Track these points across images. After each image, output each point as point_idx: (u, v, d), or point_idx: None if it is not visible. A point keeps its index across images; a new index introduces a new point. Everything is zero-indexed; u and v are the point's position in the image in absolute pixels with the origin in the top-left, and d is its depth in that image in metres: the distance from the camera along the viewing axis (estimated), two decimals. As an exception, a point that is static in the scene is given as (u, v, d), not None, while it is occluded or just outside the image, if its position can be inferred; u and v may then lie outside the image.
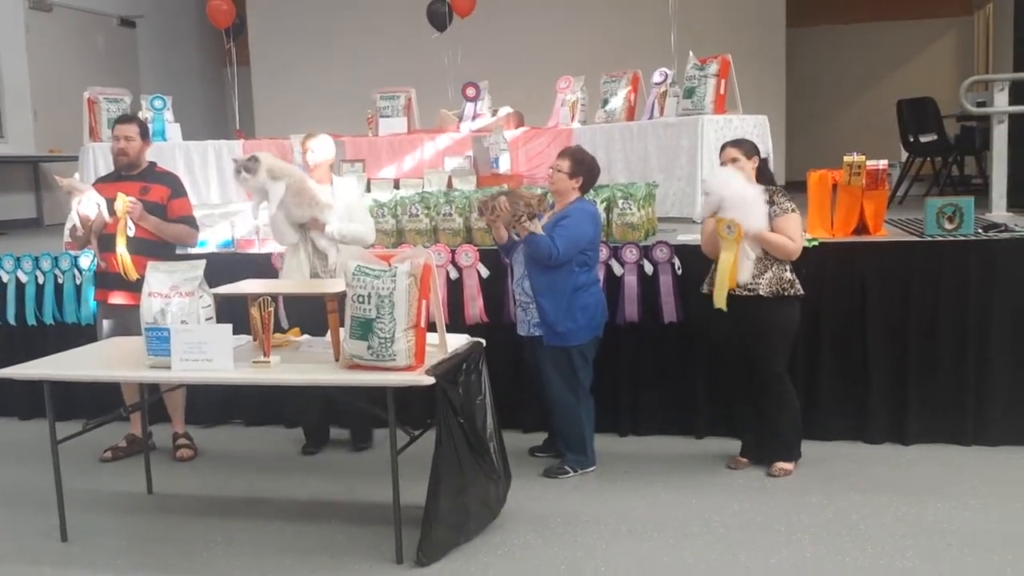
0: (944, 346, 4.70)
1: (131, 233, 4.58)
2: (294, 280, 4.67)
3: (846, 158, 4.88)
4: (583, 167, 4.40)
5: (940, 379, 4.72)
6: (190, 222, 4.87)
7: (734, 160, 4.28)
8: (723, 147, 4.41)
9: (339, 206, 4.68)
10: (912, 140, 8.10)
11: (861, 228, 4.95)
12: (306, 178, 4.68)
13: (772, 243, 4.16)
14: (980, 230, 4.85)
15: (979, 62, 11.15)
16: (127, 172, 4.83)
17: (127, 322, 4.56)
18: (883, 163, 4.95)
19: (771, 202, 4.20)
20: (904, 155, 8.25)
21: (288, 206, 4.57)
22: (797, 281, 4.25)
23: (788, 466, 4.35)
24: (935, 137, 7.97)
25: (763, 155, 4.52)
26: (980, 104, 6.75)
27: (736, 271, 4.14)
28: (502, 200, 4.22)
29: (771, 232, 4.17)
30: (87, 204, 4.62)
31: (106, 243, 4.66)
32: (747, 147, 4.37)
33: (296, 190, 4.55)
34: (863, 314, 4.76)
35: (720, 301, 4.17)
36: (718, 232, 4.15)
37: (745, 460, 4.47)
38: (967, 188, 7.98)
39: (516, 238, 4.31)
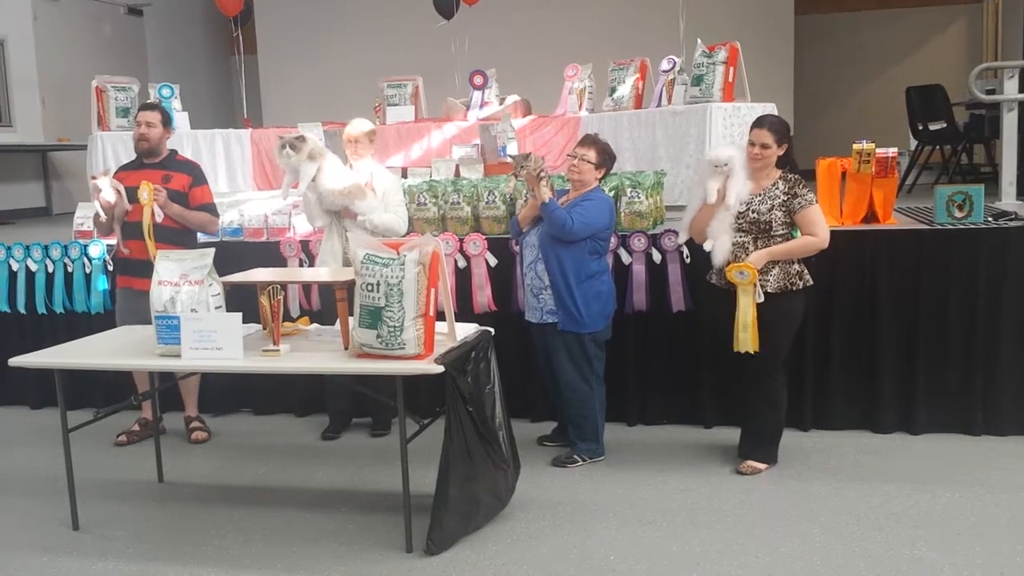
0: (953, 335, 4.69)
1: (159, 219, 4.66)
2: (329, 266, 4.69)
3: (855, 146, 4.85)
4: (607, 157, 4.39)
5: (949, 368, 4.71)
6: (211, 209, 4.94)
7: (764, 146, 4.09)
8: (756, 123, 4.17)
9: (376, 193, 4.70)
10: (921, 128, 8.06)
11: (870, 216, 4.93)
12: (339, 164, 4.68)
13: (790, 251, 4.08)
14: (990, 218, 4.83)
15: (988, 49, 11.08)
16: (149, 160, 4.90)
17: (148, 308, 4.59)
18: (893, 151, 4.92)
19: (793, 194, 4.09)
20: (913, 143, 8.21)
21: (321, 191, 4.58)
22: (806, 271, 4.16)
23: (760, 466, 4.27)
24: (944, 125, 7.92)
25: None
26: (990, 92, 6.70)
27: (756, 319, 4.04)
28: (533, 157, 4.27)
29: (788, 242, 4.07)
30: (108, 191, 4.68)
31: (130, 230, 4.75)
32: (780, 133, 4.12)
33: (330, 176, 4.56)
34: (872, 303, 4.74)
35: (744, 345, 4.06)
36: (729, 278, 4.05)
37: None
38: (976, 177, 7.94)
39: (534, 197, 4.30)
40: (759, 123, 4.16)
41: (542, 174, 4.24)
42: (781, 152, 4.14)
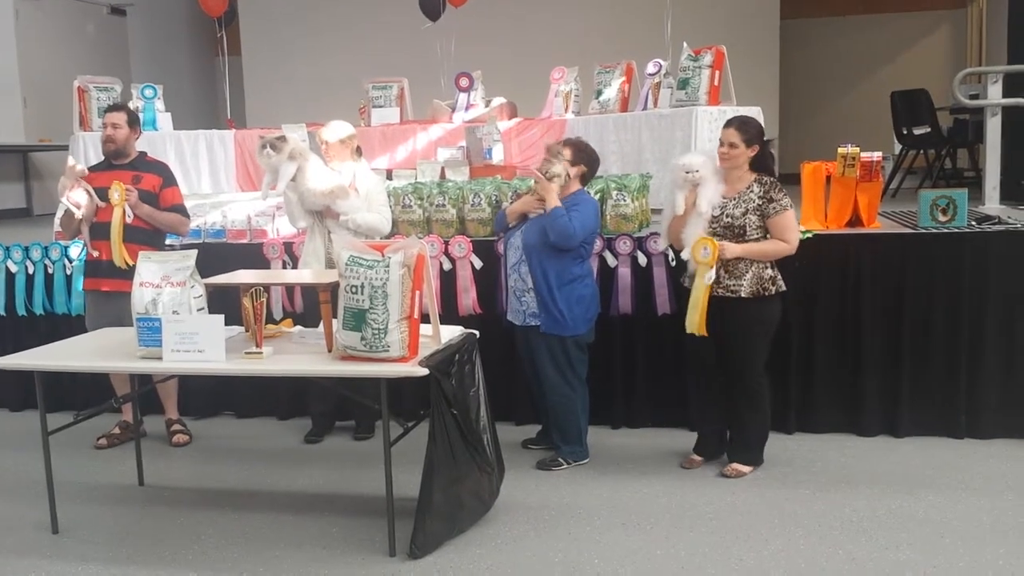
0: (937, 339, 4.71)
1: (129, 219, 4.61)
2: (311, 267, 4.66)
3: (840, 150, 4.86)
4: (584, 155, 4.38)
5: (933, 372, 4.72)
6: (182, 211, 4.89)
7: (732, 145, 4.10)
8: (727, 123, 4.17)
9: (359, 193, 4.67)
10: (905, 132, 8.10)
11: (855, 220, 4.94)
12: (320, 164, 4.64)
13: (763, 252, 4.08)
14: (973, 222, 4.85)
15: (972, 54, 11.16)
16: (117, 161, 4.85)
17: (119, 310, 4.55)
18: (877, 155, 4.93)
19: (768, 198, 4.08)
20: (897, 147, 8.25)
21: (302, 191, 4.55)
22: (779, 277, 4.16)
23: (745, 469, 4.27)
24: (928, 129, 7.97)
25: (767, 139, 4.29)
26: (973, 97, 6.74)
27: (707, 298, 4.07)
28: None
29: (757, 242, 4.07)
30: (77, 192, 4.62)
31: (98, 231, 4.69)
32: (749, 133, 4.11)
33: (312, 176, 4.53)
34: (856, 306, 4.75)
35: (693, 326, 4.09)
36: (694, 256, 4.06)
37: (700, 458, 4.42)
38: (960, 181, 7.99)
39: (533, 214, 4.29)
40: (728, 123, 4.19)
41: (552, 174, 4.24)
42: (751, 153, 4.13)
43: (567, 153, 4.33)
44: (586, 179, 4.43)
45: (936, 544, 3.54)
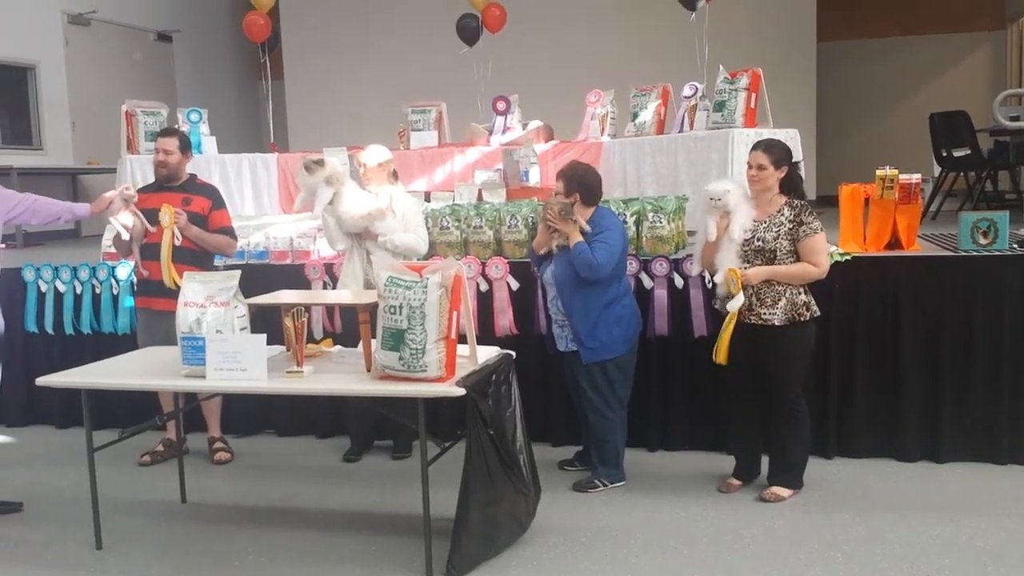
0: (978, 363, 4.64)
1: (178, 242, 4.72)
2: (350, 288, 4.74)
3: (879, 172, 4.84)
4: (574, 181, 4.32)
5: (974, 396, 4.66)
6: (230, 233, 5.00)
7: (760, 168, 4.10)
8: (754, 147, 4.18)
9: (396, 215, 4.75)
10: (945, 154, 8.02)
11: (894, 243, 4.91)
12: (357, 189, 4.73)
13: (789, 275, 4.06)
14: (1015, 245, 4.80)
15: (1012, 76, 11.05)
16: (168, 183, 4.96)
17: (168, 328, 4.64)
18: (916, 177, 4.91)
19: (799, 221, 4.07)
20: (937, 169, 8.18)
21: (339, 215, 4.64)
22: (812, 302, 4.13)
23: (785, 493, 4.24)
24: (968, 151, 7.89)
25: (795, 160, 4.29)
26: (1014, 118, 6.68)
27: (731, 328, 4.10)
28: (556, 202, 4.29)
29: (787, 264, 4.06)
30: (124, 214, 4.73)
31: (149, 252, 4.80)
32: (777, 155, 4.10)
33: (348, 201, 4.63)
34: (896, 329, 4.71)
35: (720, 357, 4.12)
36: (726, 288, 4.08)
37: (738, 482, 4.40)
38: (1001, 203, 7.89)
39: (556, 248, 4.31)
40: (755, 146, 4.19)
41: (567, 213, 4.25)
42: (780, 174, 4.13)
43: (560, 187, 4.33)
44: (591, 199, 4.35)
45: (979, 572, 3.48)
